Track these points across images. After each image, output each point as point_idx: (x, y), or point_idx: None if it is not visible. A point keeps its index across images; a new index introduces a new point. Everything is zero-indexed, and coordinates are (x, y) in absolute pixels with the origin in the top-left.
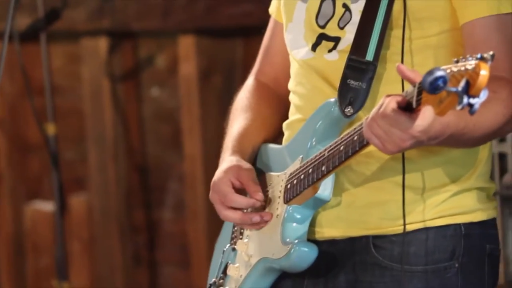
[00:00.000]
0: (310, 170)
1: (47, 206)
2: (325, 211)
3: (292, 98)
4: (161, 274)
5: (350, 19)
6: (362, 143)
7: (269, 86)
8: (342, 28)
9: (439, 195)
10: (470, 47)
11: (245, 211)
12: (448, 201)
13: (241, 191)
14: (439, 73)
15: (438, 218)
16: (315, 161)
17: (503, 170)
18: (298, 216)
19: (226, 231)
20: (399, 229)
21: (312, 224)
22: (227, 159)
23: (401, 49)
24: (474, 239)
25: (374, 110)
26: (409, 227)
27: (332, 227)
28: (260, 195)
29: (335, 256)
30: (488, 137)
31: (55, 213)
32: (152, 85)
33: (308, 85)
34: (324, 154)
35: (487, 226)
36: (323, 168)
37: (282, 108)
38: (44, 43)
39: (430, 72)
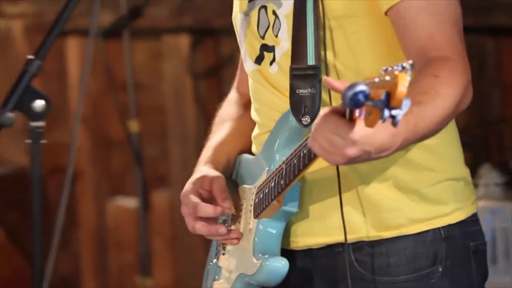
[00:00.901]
0: (272, 184)
1: (129, 203)
2: (296, 220)
3: (252, 112)
4: None
5: (280, 25)
6: (310, 157)
7: (248, 97)
8: (276, 36)
9: (408, 194)
10: (401, 34)
11: (220, 222)
12: (421, 203)
13: (211, 201)
14: (359, 88)
15: (414, 224)
16: (276, 174)
17: None
18: (269, 230)
19: (213, 249)
20: (375, 235)
21: (288, 235)
22: (197, 170)
23: (338, 48)
24: (456, 240)
25: (314, 122)
26: (385, 234)
27: (303, 236)
28: (228, 203)
29: (316, 268)
30: (447, 120)
31: (139, 210)
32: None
33: (261, 99)
34: (282, 167)
35: (467, 224)
36: (282, 182)
37: None
38: (127, 40)
39: (351, 87)
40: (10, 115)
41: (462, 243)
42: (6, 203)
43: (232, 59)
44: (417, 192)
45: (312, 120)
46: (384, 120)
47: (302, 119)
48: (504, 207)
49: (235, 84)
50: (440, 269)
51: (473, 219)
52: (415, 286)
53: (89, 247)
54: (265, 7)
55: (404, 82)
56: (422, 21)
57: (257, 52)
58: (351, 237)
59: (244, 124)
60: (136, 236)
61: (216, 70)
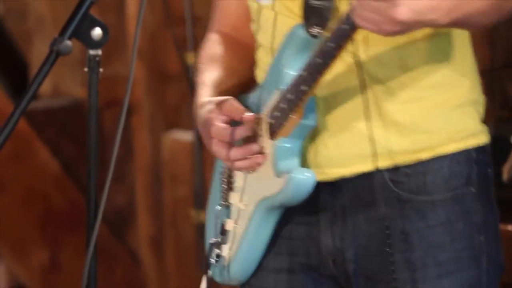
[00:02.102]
0: (290, 95)
1: (185, 136)
2: (323, 149)
3: (262, 41)
4: None
5: None
6: (338, 47)
7: (230, 35)
8: None
9: (439, 115)
10: None
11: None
12: (452, 123)
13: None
14: None
15: (449, 144)
16: (293, 85)
17: None
18: (288, 145)
19: (214, 195)
20: (416, 157)
21: (311, 166)
22: (206, 101)
23: None
24: (482, 164)
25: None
26: (421, 156)
27: (336, 166)
28: (248, 115)
29: (350, 195)
30: (493, 10)
31: (194, 143)
32: None
33: (278, 24)
34: (301, 74)
35: (487, 151)
36: (303, 87)
37: (247, 54)
38: None
39: None
40: (68, 43)
41: (485, 169)
42: (62, 135)
43: None
44: (448, 112)
45: (323, 30)
46: None
47: (312, 29)
48: None
49: (212, 25)
50: (473, 190)
51: (489, 149)
52: (451, 205)
53: (144, 180)
54: None
55: None
56: None
57: None
58: (388, 163)
59: (233, 64)
60: (191, 170)
61: None
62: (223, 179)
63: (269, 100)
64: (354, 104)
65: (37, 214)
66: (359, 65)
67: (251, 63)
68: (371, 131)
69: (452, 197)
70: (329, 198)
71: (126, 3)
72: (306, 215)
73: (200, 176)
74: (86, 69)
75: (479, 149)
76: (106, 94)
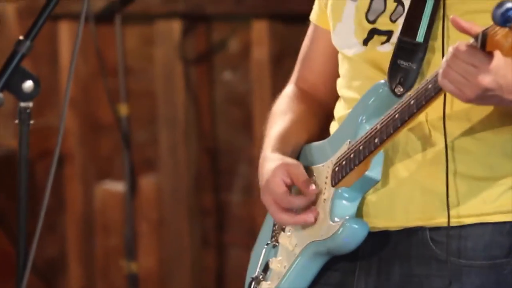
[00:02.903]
0: (361, 147)
1: (117, 187)
2: (376, 200)
3: (344, 93)
4: (228, 257)
5: (403, 12)
6: (420, 105)
7: (308, 92)
8: (394, 22)
9: (495, 188)
10: None
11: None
12: (504, 197)
13: (291, 188)
14: (510, 5)
15: (496, 214)
16: (366, 137)
17: None
18: (347, 195)
19: (264, 232)
20: (456, 221)
21: (363, 215)
22: (271, 158)
23: (453, 35)
24: None
25: (443, 60)
26: (466, 220)
27: (385, 218)
28: (313, 187)
29: (389, 248)
30: None
31: (126, 194)
32: (225, 68)
33: (361, 77)
34: (376, 127)
35: None
36: (376, 140)
37: (321, 114)
38: (119, 25)
39: (500, 5)
40: (0, 95)
41: None
42: None
43: (223, 45)
44: (505, 187)
45: (406, 91)
46: None
47: (396, 88)
48: None
49: (293, 79)
50: None
51: None
52: (488, 274)
53: (76, 230)
54: None
55: None
56: None
57: (365, 35)
58: (433, 222)
59: (306, 118)
60: (123, 220)
61: (207, 56)
62: None
63: (338, 149)
64: (410, 161)
65: None
66: (435, 125)
67: (323, 122)
68: (424, 189)
69: (490, 266)
70: (369, 248)
71: (59, 54)
72: (344, 262)
73: (131, 226)
74: (16, 121)
75: None
76: (38, 145)
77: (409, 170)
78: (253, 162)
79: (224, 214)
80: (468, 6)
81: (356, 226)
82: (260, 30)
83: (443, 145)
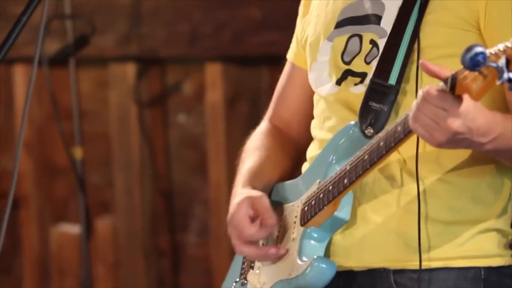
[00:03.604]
0: (330, 187)
1: (73, 229)
2: (342, 240)
3: (316, 134)
4: None
5: (378, 54)
6: (389, 147)
7: (282, 130)
8: (368, 63)
9: (462, 233)
10: None
11: (261, 244)
12: (471, 242)
13: (256, 219)
14: (479, 49)
15: (461, 259)
16: (335, 177)
17: None
18: (316, 235)
19: (234, 268)
20: (423, 264)
21: (329, 254)
22: (239, 192)
23: (426, 79)
24: (492, 285)
25: (414, 103)
26: (430, 264)
27: (349, 257)
28: (273, 220)
29: (355, 285)
30: None
31: (81, 236)
32: (179, 111)
33: (335, 118)
34: (346, 168)
35: (503, 274)
36: (345, 181)
37: (294, 153)
38: (73, 68)
39: (469, 49)
40: None
41: None
42: None
43: (177, 88)
44: (471, 233)
45: (377, 133)
46: (502, 82)
47: (366, 130)
48: None
49: (268, 115)
50: None
51: (508, 272)
52: None
53: (32, 272)
54: (359, 35)
55: None
56: None
57: (339, 75)
58: (396, 264)
59: (278, 156)
60: (79, 263)
61: (161, 99)
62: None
63: (308, 189)
64: (377, 203)
65: None
66: (405, 167)
67: (296, 161)
68: (390, 231)
69: None
70: (334, 286)
71: (14, 98)
72: None
73: (87, 269)
74: None
75: (490, 270)
76: None
77: (375, 211)
78: (208, 203)
79: (180, 255)
80: (442, 50)
81: (324, 266)
82: (213, 72)
83: (412, 187)
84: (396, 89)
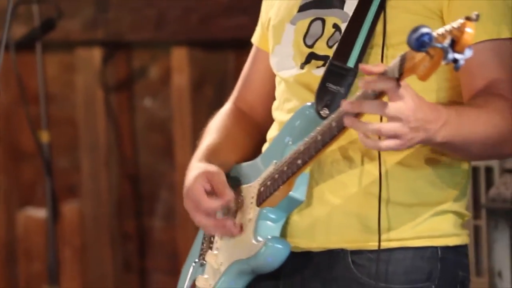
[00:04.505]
0: (285, 168)
1: (39, 213)
2: (300, 221)
3: (277, 116)
4: (151, 282)
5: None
6: (341, 127)
7: (246, 112)
8: (331, 47)
9: (419, 214)
10: (466, 71)
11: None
12: (427, 222)
13: (213, 195)
14: (425, 30)
15: (417, 239)
16: (290, 158)
17: (489, 184)
18: (272, 216)
19: (194, 249)
20: (375, 245)
21: (286, 235)
22: (195, 166)
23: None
24: (449, 264)
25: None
26: (387, 244)
27: (307, 238)
28: (229, 194)
29: (311, 268)
30: (488, 143)
31: (48, 220)
32: (145, 95)
33: (295, 99)
34: (299, 149)
35: (460, 253)
36: (299, 161)
37: (256, 135)
38: (39, 52)
39: (415, 29)
40: None
41: (453, 269)
42: None
43: (143, 72)
44: (427, 214)
45: (331, 113)
46: (447, 62)
47: (322, 111)
48: None
49: (232, 97)
50: (433, 287)
51: (465, 252)
52: None
53: None
54: (322, 19)
55: (471, 28)
56: (491, 64)
57: (303, 59)
58: (354, 245)
59: (238, 137)
60: (46, 246)
61: (127, 83)
62: (205, 237)
63: (265, 170)
64: (335, 183)
65: None
66: (366, 149)
67: (259, 143)
68: (348, 212)
69: None
70: (291, 267)
71: None
72: (268, 281)
73: (53, 252)
74: None
75: (447, 249)
76: None
77: (333, 192)
78: (174, 187)
79: (146, 240)
80: (403, 36)
81: (278, 246)
82: (179, 57)
83: (373, 169)
84: (354, 72)
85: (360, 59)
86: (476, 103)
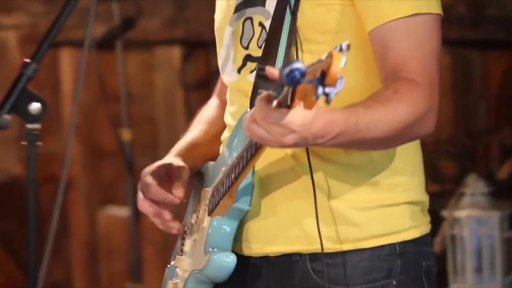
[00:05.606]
0: (225, 180)
1: (121, 212)
2: (254, 227)
3: (226, 118)
4: None
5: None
6: (257, 146)
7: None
8: (260, 47)
9: (369, 212)
10: (378, 54)
11: (185, 229)
12: (380, 220)
13: (169, 187)
14: (295, 65)
15: (371, 239)
16: (229, 170)
17: None
18: (221, 227)
19: (174, 251)
20: (332, 248)
21: (241, 240)
22: (166, 158)
23: (308, 60)
24: (410, 257)
25: (250, 111)
26: (342, 247)
27: (262, 243)
28: (179, 192)
29: (274, 275)
30: (394, 138)
31: (130, 218)
32: None
33: (235, 104)
34: (234, 162)
35: (420, 244)
36: (232, 175)
37: None
38: (120, 50)
39: (287, 64)
40: (6, 117)
41: (415, 261)
42: None
43: None
44: (378, 211)
45: None
46: (317, 98)
47: None
48: (490, 216)
49: (216, 91)
50: (394, 282)
51: (426, 240)
52: None
53: (81, 255)
54: (250, 18)
55: (338, 61)
56: (401, 44)
57: (240, 62)
58: (309, 248)
59: (221, 129)
60: (127, 245)
61: (206, 82)
62: (180, 241)
63: (217, 176)
64: (280, 186)
65: None
66: (294, 154)
67: None
68: (298, 216)
69: None
70: (256, 275)
71: (61, 81)
72: (233, 285)
73: (136, 250)
74: (24, 143)
75: (406, 243)
76: (42, 171)
77: (281, 200)
78: None
79: None
80: (320, 28)
81: (223, 259)
82: None
83: (307, 175)
84: None
85: (286, 59)
86: (384, 96)
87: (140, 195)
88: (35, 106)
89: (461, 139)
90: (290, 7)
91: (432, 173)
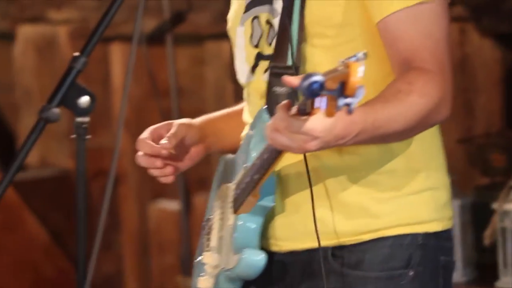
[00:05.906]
0: (248, 179)
1: (171, 205)
2: (279, 224)
3: (244, 116)
4: None
5: (275, 34)
6: (278, 151)
7: None
8: (270, 45)
9: (390, 201)
10: (388, 46)
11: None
12: (403, 210)
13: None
14: (314, 78)
15: (395, 227)
16: (251, 169)
17: None
18: (248, 224)
19: (199, 247)
20: (358, 238)
21: (268, 236)
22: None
23: (319, 55)
24: (430, 250)
25: (271, 120)
26: (365, 237)
27: (290, 240)
28: (167, 144)
29: (298, 268)
30: (412, 129)
31: (181, 212)
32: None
33: (252, 104)
34: (256, 162)
35: (442, 238)
36: (255, 176)
37: None
38: (170, 45)
39: (307, 77)
40: (56, 110)
41: (434, 255)
42: (50, 205)
43: None
44: (399, 199)
45: None
46: (339, 109)
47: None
48: None
49: None
50: (411, 273)
51: (447, 235)
52: (385, 284)
53: (132, 248)
54: (257, 17)
55: (356, 71)
56: (409, 34)
57: (253, 61)
58: (332, 242)
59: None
60: (178, 238)
61: None
62: (206, 237)
63: (238, 172)
64: (303, 186)
65: (26, 284)
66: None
67: None
68: (318, 212)
69: (387, 276)
70: (281, 270)
71: (111, 75)
72: (262, 285)
73: (187, 243)
74: (73, 136)
75: (428, 235)
76: (92, 165)
77: (303, 195)
78: None
79: None
80: (327, 23)
81: (253, 258)
82: None
83: (325, 172)
84: (297, 68)
85: (298, 55)
86: (399, 89)
87: (139, 146)
88: (84, 100)
89: (511, 132)
90: (298, 4)
91: (482, 166)
